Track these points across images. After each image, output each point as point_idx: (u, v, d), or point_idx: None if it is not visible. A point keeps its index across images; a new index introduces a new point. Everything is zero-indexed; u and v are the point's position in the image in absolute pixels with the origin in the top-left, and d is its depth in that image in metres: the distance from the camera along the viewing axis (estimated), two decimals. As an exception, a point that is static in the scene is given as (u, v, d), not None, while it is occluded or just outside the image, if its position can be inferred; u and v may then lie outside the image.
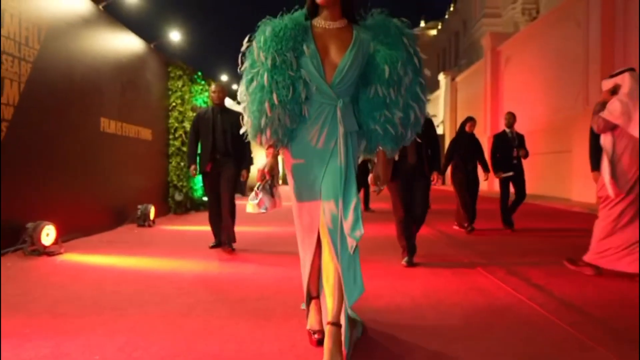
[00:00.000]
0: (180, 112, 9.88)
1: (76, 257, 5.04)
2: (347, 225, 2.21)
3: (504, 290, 3.76)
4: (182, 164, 9.71)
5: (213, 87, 5.62)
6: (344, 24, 2.37)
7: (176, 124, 9.83)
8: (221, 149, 5.35)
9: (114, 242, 6.13)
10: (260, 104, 2.27)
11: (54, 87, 5.66)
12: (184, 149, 9.65)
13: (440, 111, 31.98)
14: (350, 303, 2.24)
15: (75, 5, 6.23)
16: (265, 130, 2.30)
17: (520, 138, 7.39)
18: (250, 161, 5.60)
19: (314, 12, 2.38)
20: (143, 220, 7.74)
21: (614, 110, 4.09)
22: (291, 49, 2.25)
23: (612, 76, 4.34)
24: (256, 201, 2.40)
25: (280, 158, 2.52)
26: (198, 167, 5.51)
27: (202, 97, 10.65)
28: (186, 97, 10.05)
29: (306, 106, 2.30)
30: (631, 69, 4.24)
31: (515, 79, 20.79)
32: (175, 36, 9.64)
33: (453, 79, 30.99)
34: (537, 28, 19.25)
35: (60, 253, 5.13)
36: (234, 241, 5.41)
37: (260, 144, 2.38)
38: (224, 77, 19.40)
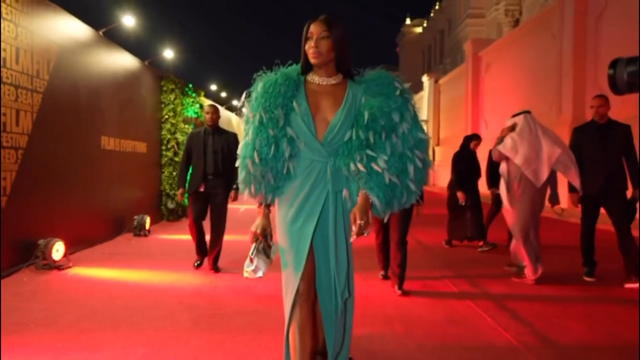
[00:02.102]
0: (172, 124, 10.37)
1: (85, 271, 5.55)
2: (338, 290, 2.28)
3: (465, 304, 4.38)
4: (174, 173, 10.19)
5: (206, 108, 5.67)
6: (338, 79, 2.35)
7: (169, 136, 10.32)
8: (211, 170, 5.39)
9: (115, 254, 6.64)
10: (244, 159, 2.30)
11: (61, 113, 6.15)
12: (176, 159, 10.15)
13: (424, 112, 32.68)
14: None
15: (78, 34, 6.70)
16: (249, 185, 2.33)
17: None
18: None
19: (308, 67, 2.35)
20: (139, 230, 8.25)
21: (506, 145, 5.15)
22: (280, 106, 2.24)
23: (513, 116, 5.38)
24: (252, 268, 2.36)
25: None
26: (187, 190, 5.52)
27: (194, 108, 11.14)
28: (178, 109, 10.54)
29: (292, 163, 2.29)
30: (527, 111, 5.32)
31: (495, 85, 21.52)
32: (168, 54, 10.13)
33: (436, 81, 31.70)
34: (516, 36, 19.98)
35: (69, 267, 5.64)
36: (216, 265, 5.58)
37: (250, 196, 2.40)
38: (213, 87, 19.84)
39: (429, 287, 4.97)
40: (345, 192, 2.30)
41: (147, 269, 5.69)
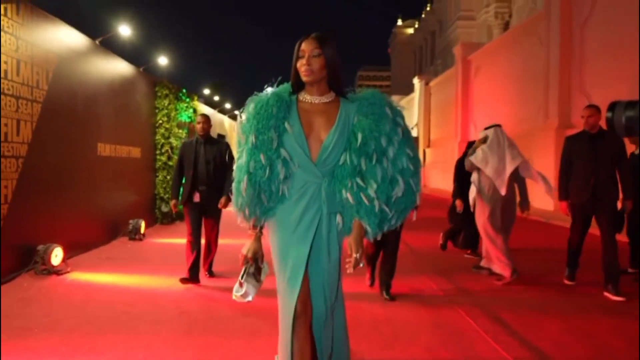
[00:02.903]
0: (166, 129, 10.54)
1: (83, 276, 5.72)
2: (333, 316, 2.30)
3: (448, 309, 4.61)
4: (168, 177, 10.36)
5: (198, 118, 5.63)
6: (331, 97, 2.32)
7: (162, 140, 10.48)
8: (203, 180, 5.36)
9: (112, 258, 6.81)
10: (238, 182, 2.28)
11: (59, 122, 6.31)
12: (170, 163, 10.32)
13: (415, 114, 32.99)
14: None
15: (75, 44, 6.86)
16: (243, 208, 2.29)
17: None
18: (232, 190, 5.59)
19: (299, 85, 2.32)
20: (134, 234, 8.42)
21: (477, 156, 5.61)
22: (272, 127, 2.21)
23: (485, 129, 5.82)
24: (241, 292, 2.33)
25: None
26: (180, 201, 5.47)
27: (187, 113, 11.31)
28: (172, 114, 10.71)
29: (286, 185, 2.26)
30: (498, 125, 5.77)
31: (484, 88, 21.84)
32: (162, 60, 10.30)
33: (427, 84, 32.01)
34: (505, 41, 20.30)
35: (68, 272, 5.81)
36: (211, 269, 5.70)
37: (243, 219, 2.35)
38: (206, 91, 20.00)
39: (415, 290, 5.19)
40: (338, 218, 2.30)
41: (144, 274, 5.87)
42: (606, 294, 4.97)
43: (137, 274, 5.86)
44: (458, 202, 6.79)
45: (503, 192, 5.45)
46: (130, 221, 8.46)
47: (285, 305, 2.28)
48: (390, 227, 2.33)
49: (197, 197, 5.40)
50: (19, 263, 5.51)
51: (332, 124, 2.26)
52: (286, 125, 2.23)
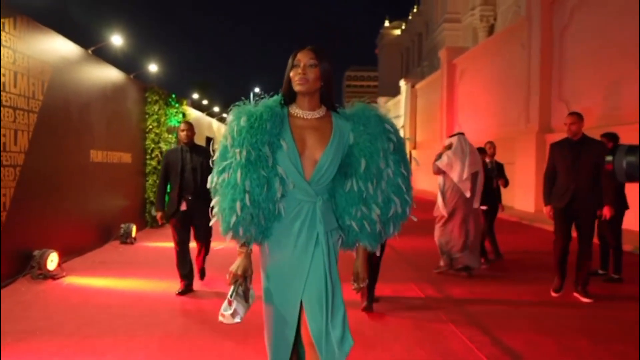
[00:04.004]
0: (156, 134, 10.74)
1: (79, 280, 5.93)
2: (335, 337, 2.13)
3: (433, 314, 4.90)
4: (157, 181, 10.52)
5: (181, 125, 5.52)
6: (322, 112, 2.25)
7: (152, 145, 10.68)
8: (190, 189, 5.28)
9: (105, 262, 7.02)
10: (232, 202, 2.11)
11: (54, 130, 6.51)
12: (160, 167, 10.51)
13: (401, 116, 33.40)
14: None
15: (69, 54, 7.06)
16: (237, 229, 2.13)
17: (500, 167, 7.53)
18: None
19: (290, 98, 2.24)
20: (126, 238, 8.62)
21: (442, 161, 6.19)
22: (266, 143, 2.11)
23: (451, 136, 6.42)
24: (230, 312, 2.17)
25: None
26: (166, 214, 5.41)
27: (177, 118, 11.51)
28: (162, 119, 10.91)
29: (282, 204, 2.17)
30: (461, 133, 6.38)
31: (469, 92, 22.27)
32: (152, 68, 10.52)
33: (413, 86, 32.44)
34: (489, 46, 20.72)
35: (63, 276, 6.01)
36: (204, 271, 5.83)
37: (232, 239, 2.20)
38: (195, 95, 20.18)
39: (397, 292, 5.46)
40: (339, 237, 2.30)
41: (137, 277, 6.10)
42: (576, 294, 5.29)
43: (131, 278, 6.09)
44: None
45: (468, 194, 6.05)
46: (122, 225, 8.66)
47: (277, 332, 2.24)
48: (388, 237, 2.38)
49: (184, 206, 5.32)
50: (16, 268, 5.71)
51: (326, 142, 2.19)
52: (281, 141, 2.14)
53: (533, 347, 3.93)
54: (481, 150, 7.29)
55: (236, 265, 2.20)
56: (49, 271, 5.91)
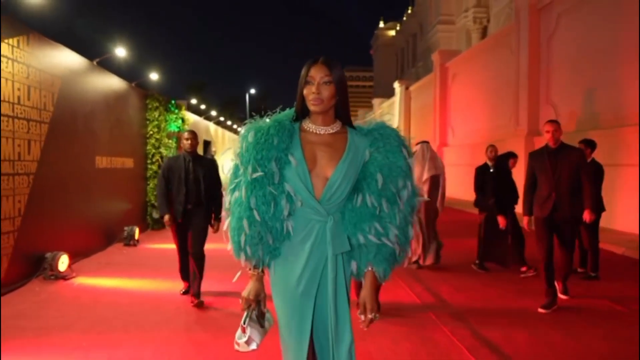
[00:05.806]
0: (156, 140, 11.14)
1: (88, 281, 6.32)
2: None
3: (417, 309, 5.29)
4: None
5: (185, 134, 5.41)
6: (337, 127, 2.12)
7: (153, 150, 11.08)
8: (193, 199, 5.21)
9: (112, 263, 7.40)
10: (239, 220, 2.04)
11: (63, 139, 6.90)
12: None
13: (395, 117, 33.84)
14: None
15: (76, 66, 7.45)
16: (245, 249, 2.05)
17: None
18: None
19: (303, 112, 2.13)
20: (129, 240, 9.00)
21: None
22: (273, 159, 2.01)
23: (417, 144, 6.98)
24: (244, 339, 2.08)
25: None
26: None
27: (176, 123, 11.90)
28: (162, 125, 11.31)
29: (290, 223, 2.05)
30: (425, 142, 7.05)
31: (461, 95, 22.69)
32: (154, 76, 10.92)
33: (407, 88, 32.87)
34: (480, 50, 21.14)
35: (73, 277, 6.39)
36: (199, 296, 5.30)
37: (243, 262, 2.11)
38: (194, 101, 20.53)
39: (385, 288, 5.82)
40: (353, 265, 2.13)
41: (143, 278, 6.49)
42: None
43: (137, 278, 6.47)
44: (501, 220, 6.60)
45: (425, 197, 6.61)
46: (125, 228, 9.04)
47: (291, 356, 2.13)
48: (399, 264, 2.19)
49: (181, 219, 5.28)
50: (30, 269, 6.10)
51: (338, 158, 2.05)
52: (289, 157, 2.03)
53: (509, 339, 4.28)
54: (506, 156, 7.15)
55: (248, 289, 2.10)
56: (60, 272, 6.29)
